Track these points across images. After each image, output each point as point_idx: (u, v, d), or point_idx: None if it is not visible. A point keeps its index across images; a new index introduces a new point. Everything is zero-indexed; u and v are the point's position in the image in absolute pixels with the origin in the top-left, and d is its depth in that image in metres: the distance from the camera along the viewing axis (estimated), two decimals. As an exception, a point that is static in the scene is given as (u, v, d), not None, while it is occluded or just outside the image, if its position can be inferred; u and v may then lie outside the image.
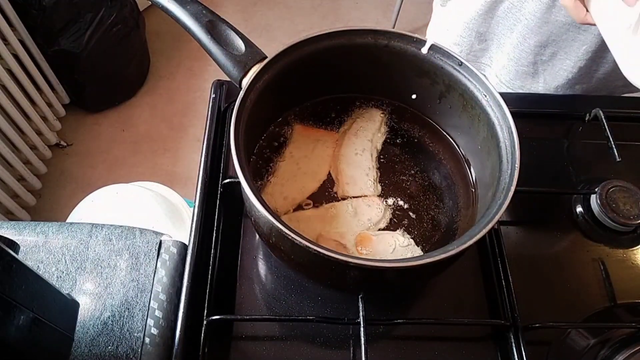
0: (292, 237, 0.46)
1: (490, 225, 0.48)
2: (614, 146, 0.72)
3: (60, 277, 0.63)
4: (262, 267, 0.66)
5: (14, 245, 0.45)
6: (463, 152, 0.66)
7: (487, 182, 0.59)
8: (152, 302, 0.61)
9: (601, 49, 0.81)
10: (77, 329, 0.56)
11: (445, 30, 0.94)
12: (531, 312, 0.61)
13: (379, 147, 0.67)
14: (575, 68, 0.85)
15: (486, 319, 0.64)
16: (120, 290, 0.62)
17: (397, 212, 0.62)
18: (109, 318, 0.60)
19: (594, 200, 0.70)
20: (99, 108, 2.02)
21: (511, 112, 0.55)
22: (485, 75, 0.58)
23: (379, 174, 0.65)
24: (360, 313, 0.57)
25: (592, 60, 0.83)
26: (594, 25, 0.60)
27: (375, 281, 0.57)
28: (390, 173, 0.65)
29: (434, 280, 0.66)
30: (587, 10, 0.61)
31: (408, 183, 0.64)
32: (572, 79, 0.87)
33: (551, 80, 0.89)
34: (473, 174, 0.64)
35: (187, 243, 0.65)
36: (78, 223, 0.68)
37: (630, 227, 0.69)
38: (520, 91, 0.92)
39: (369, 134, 0.67)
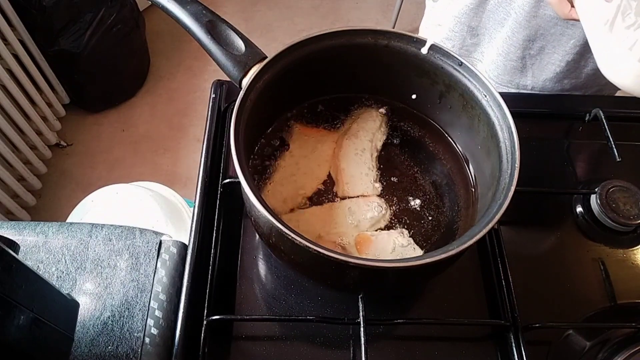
0: (292, 237, 0.46)
1: (490, 225, 0.48)
2: (614, 146, 0.72)
3: (60, 277, 0.63)
4: (262, 267, 0.66)
5: (14, 245, 0.45)
6: (463, 152, 0.66)
7: (487, 182, 0.59)
8: (152, 302, 0.61)
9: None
10: (77, 329, 0.56)
11: (437, 26, 0.94)
12: (531, 312, 0.61)
13: (379, 147, 0.67)
14: (563, 62, 0.85)
15: (486, 319, 0.64)
16: (120, 290, 0.62)
17: (397, 212, 0.62)
18: (109, 318, 0.60)
19: (594, 200, 0.70)
20: (99, 108, 2.02)
21: (511, 112, 0.55)
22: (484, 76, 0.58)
23: (379, 174, 0.65)
24: (360, 313, 0.57)
25: (580, 55, 0.83)
26: (579, 21, 0.61)
27: (375, 281, 0.57)
28: (390, 173, 0.65)
29: (434, 280, 0.66)
30: (572, 6, 0.61)
31: (408, 183, 0.64)
32: (560, 73, 0.87)
33: (539, 74, 0.89)
34: (473, 173, 0.64)
35: (187, 243, 0.65)
36: (78, 223, 0.68)
37: (630, 227, 0.69)
38: (509, 86, 0.92)
39: (369, 134, 0.67)
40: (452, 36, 0.91)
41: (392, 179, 0.65)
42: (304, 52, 0.59)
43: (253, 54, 0.56)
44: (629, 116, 0.81)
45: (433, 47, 0.60)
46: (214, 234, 0.65)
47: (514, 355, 0.58)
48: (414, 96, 0.67)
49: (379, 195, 0.63)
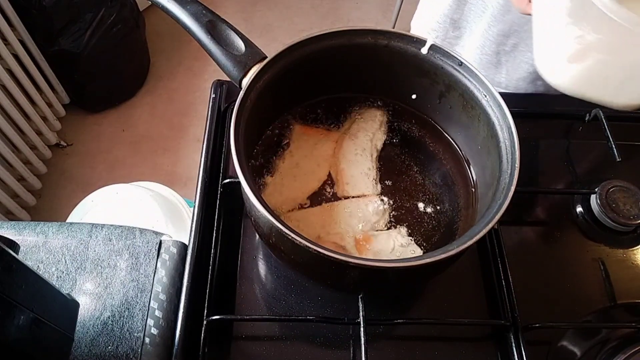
0: (292, 237, 0.46)
1: (490, 225, 0.48)
2: (614, 146, 0.72)
3: (60, 277, 0.63)
4: (262, 267, 0.66)
5: (14, 245, 0.45)
6: (463, 152, 0.66)
7: (487, 182, 0.59)
8: (152, 302, 0.61)
9: None
10: (77, 329, 0.56)
11: (424, 16, 0.96)
12: (531, 312, 0.61)
13: (379, 147, 0.67)
14: None
15: (486, 319, 0.64)
16: (120, 290, 0.62)
17: (397, 212, 0.62)
18: (109, 318, 0.60)
19: (594, 200, 0.70)
20: (99, 108, 2.02)
21: (511, 112, 0.55)
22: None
23: (379, 174, 0.65)
24: (360, 313, 0.57)
25: None
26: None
27: (375, 281, 0.57)
28: (391, 173, 0.65)
29: (434, 280, 0.66)
30: (530, 1, 0.61)
31: (408, 183, 0.64)
32: (533, 73, 0.87)
33: (513, 72, 0.89)
34: (473, 174, 0.64)
35: (187, 243, 0.65)
36: (78, 223, 0.68)
37: (630, 227, 0.69)
38: None
39: (369, 134, 0.67)
40: (437, 27, 0.93)
41: (392, 179, 0.65)
42: (304, 52, 0.59)
43: (253, 54, 0.56)
44: (629, 116, 0.81)
45: (433, 47, 0.60)
46: (214, 234, 0.65)
47: (514, 355, 0.58)
48: (414, 96, 0.67)
49: (378, 195, 0.63)
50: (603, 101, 0.60)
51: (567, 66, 0.56)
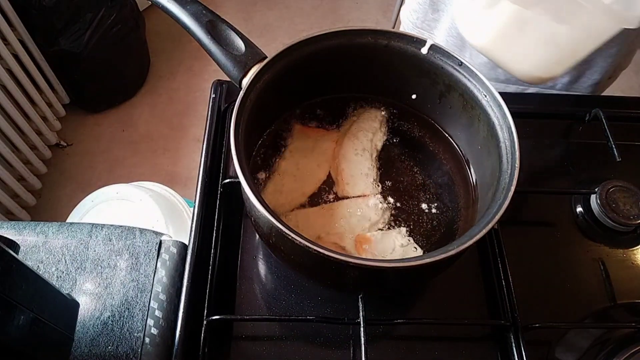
0: (292, 237, 0.46)
1: (490, 225, 0.48)
2: (614, 146, 0.72)
3: (60, 277, 0.63)
4: (262, 267, 0.66)
5: (14, 245, 0.45)
6: (463, 152, 0.66)
7: (487, 182, 0.59)
8: (152, 302, 0.61)
9: None
10: (77, 329, 0.56)
11: None
12: (531, 312, 0.61)
13: (379, 147, 0.67)
14: None
15: (486, 319, 0.64)
16: (120, 290, 0.62)
17: (397, 211, 0.62)
18: (109, 318, 0.60)
19: (594, 200, 0.70)
20: (99, 108, 2.02)
21: (511, 112, 0.55)
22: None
23: (379, 174, 0.65)
24: (360, 313, 0.57)
25: None
26: None
27: (375, 281, 0.57)
28: (391, 173, 0.65)
29: (434, 280, 0.66)
30: None
31: (408, 183, 0.64)
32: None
33: (475, 56, 0.88)
34: (473, 174, 0.64)
35: (187, 243, 0.65)
36: (78, 223, 0.68)
37: (630, 227, 0.69)
38: None
39: (369, 134, 0.67)
40: (418, 8, 0.92)
41: (392, 179, 0.65)
42: (304, 52, 0.59)
43: (253, 54, 0.56)
44: (629, 116, 0.82)
45: (433, 47, 0.60)
46: (214, 234, 0.65)
47: (514, 355, 0.58)
48: (414, 96, 0.67)
49: (378, 195, 0.63)
50: (510, 66, 0.60)
51: (480, 17, 0.56)
